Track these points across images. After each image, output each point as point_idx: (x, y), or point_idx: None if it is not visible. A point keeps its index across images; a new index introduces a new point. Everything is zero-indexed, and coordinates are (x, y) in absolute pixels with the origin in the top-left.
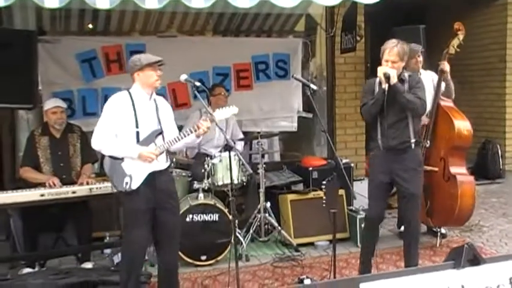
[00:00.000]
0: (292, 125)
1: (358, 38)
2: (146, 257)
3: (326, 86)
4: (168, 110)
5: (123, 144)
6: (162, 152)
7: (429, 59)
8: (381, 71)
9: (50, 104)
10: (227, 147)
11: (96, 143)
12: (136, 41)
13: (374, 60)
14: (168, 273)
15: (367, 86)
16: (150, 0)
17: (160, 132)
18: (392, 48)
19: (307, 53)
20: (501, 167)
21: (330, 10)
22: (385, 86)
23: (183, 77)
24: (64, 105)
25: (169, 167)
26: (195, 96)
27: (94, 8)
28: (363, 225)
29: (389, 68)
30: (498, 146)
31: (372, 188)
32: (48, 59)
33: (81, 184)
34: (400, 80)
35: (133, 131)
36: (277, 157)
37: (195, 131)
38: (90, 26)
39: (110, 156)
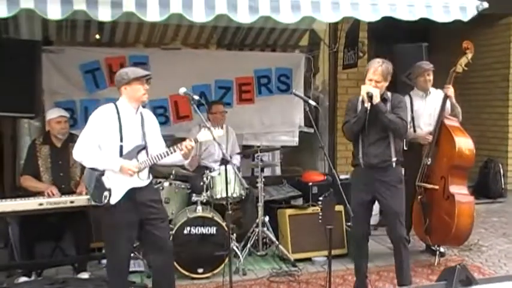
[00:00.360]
0: (293, 140)
1: (360, 54)
2: (143, 268)
3: (328, 101)
4: (154, 124)
5: (105, 156)
6: (144, 168)
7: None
8: (364, 89)
9: (54, 113)
10: (223, 161)
11: (77, 154)
12: (139, 53)
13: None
14: (165, 282)
15: (350, 104)
16: (151, 13)
17: (144, 148)
18: (376, 68)
19: (309, 68)
20: (503, 186)
21: (334, 26)
22: (368, 104)
23: (182, 90)
24: (67, 115)
25: (150, 183)
26: (198, 109)
27: (97, 20)
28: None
29: (372, 88)
30: (500, 165)
31: (354, 206)
32: (51, 68)
33: (80, 194)
34: (383, 99)
35: (117, 144)
36: (278, 171)
37: (180, 150)
38: (98, 36)
39: (91, 169)
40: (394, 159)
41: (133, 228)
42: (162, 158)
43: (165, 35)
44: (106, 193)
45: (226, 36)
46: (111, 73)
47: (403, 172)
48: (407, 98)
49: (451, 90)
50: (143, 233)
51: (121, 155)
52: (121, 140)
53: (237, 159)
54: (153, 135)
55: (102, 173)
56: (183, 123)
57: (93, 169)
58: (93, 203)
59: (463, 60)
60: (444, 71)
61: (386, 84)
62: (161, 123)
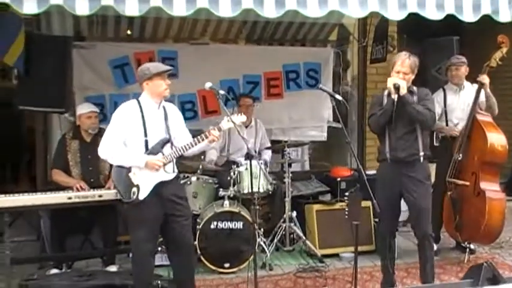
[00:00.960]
0: (322, 135)
1: (390, 49)
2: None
3: (357, 96)
4: (178, 117)
5: (130, 153)
6: (170, 161)
7: None
8: (390, 81)
9: (84, 108)
10: (248, 156)
11: (102, 152)
12: (168, 48)
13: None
14: (184, 278)
15: (375, 98)
16: (178, 7)
17: (168, 141)
18: (404, 60)
19: (339, 63)
20: None
21: (363, 20)
22: (395, 96)
23: (208, 84)
24: (97, 110)
25: (177, 177)
26: (226, 104)
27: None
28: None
29: (399, 79)
30: None
31: (381, 202)
32: (82, 64)
33: (109, 188)
34: (409, 92)
35: (142, 139)
36: (306, 166)
37: (204, 139)
38: (129, 32)
39: (118, 166)
40: (421, 153)
41: (158, 222)
42: (187, 149)
43: (194, 30)
44: (134, 189)
45: (256, 31)
46: None
47: (429, 168)
48: (441, 92)
49: (486, 79)
50: (166, 229)
51: (147, 149)
52: (145, 135)
53: (267, 154)
54: (177, 128)
55: (129, 169)
56: (212, 118)
57: (120, 166)
58: (122, 199)
59: (498, 55)
60: (476, 65)
61: (413, 77)
62: (190, 118)
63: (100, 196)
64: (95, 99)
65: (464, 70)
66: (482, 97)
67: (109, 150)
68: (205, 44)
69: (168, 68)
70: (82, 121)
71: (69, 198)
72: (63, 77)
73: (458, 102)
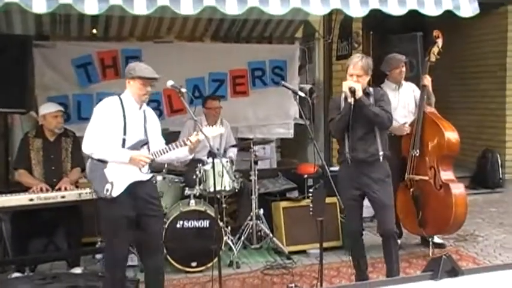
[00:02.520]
0: (288, 132)
1: (355, 45)
2: (136, 263)
3: (323, 93)
4: (156, 123)
5: (114, 148)
6: (152, 160)
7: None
8: (345, 85)
9: (50, 108)
10: (211, 154)
11: (87, 147)
12: (132, 47)
13: (374, 67)
14: (155, 278)
15: (332, 102)
16: (138, 6)
17: (146, 143)
18: (356, 63)
19: (304, 60)
20: (501, 176)
21: (328, 17)
22: (351, 100)
23: (170, 83)
24: (58, 108)
25: (151, 178)
26: (191, 102)
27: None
28: (346, 231)
29: (354, 83)
30: (498, 155)
31: (344, 202)
32: (43, 64)
33: (59, 189)
34: (366, 93)
35: (120, 137)
36: (274, 164)
37: (184, 145)
38: (94, 31)
39: (96, 161)
40: (381, 153)
41: (131, 223)
42: (164, 153)
43: (159, 29)
44: (108, 186)
45: (222, 29)
46: (103, 67)
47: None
48: None
49: (427, 80)
50: (139, 229)
51: (123, 147)
52: (124, 133)
53: (233, 152)
54: (154, 133)
55: (105, 165)
56: (177, 117)
57: (99, 161)
58: (95, 195)
59: (435, 49)
60: (440, 60)
61: (367, 78)
62: None
63: (63, 197)
64: (57, 99)
65: (404, 68)
66: (417, 94)
67: (93, 144)
68: (170, 42)
69: (153, 76)
70: (48, 121)
71: (31, 200)
72: (24, 76)
73: (400, 100)
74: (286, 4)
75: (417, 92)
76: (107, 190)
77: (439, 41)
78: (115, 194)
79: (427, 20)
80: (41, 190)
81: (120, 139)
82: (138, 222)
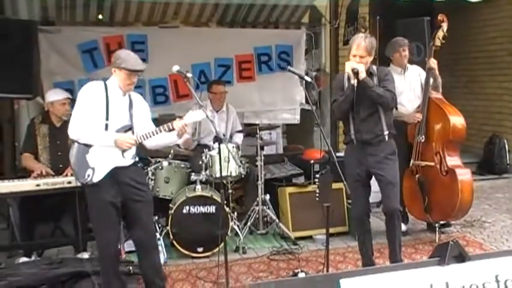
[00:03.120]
0: (294, 117)
1: (362, 30)
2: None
3: (330, 78)
4: (143, 108)
5: (100, 132)
6: (134, 144)
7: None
8: (348, 66)
9: (58, 95)
10: (217, 139)
11: (73, 132)
12: (137, 32)
13: (382, 52)
14: (148, 263)
15: (336, 81)
16: None
17: (130, 128)
18: (359, 43)
19: (310, 45)
20: (508, 161)
21: (334, 2)
22: (354, 81)
23: (175, 68)
24: (65, 95)
25: (135, 163)
26: (197, 88)
27: None
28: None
29: (357, 63)
30: (505, 141)
31: (350, 184)
32: (49, 49)
33: (66, 175)
34: (369, 74)
35: (103, 122)
36: (280, 149)
37: (169, 130)
38: (100, 16)
39: (81, 146)
40: (386, 132)
41: (116, 208)
42: (149, 137)
43: (165, 14)
44: (89, 171)
45: (228, 14)
46: (109, 52)
47: (394, 144)
48: None
49: (433, 62)
50: (125, 214)
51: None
52: (107, 119)
53: (239, 138)
54: (141, 118)
55: (87, 151)
56: (184, 102)
57: (84, 145)
58: (77, 182)
59: (440, 34)
60: (447, 44)
61: (371, 58)
62: (161, 103)
63: (69, 183)
64: (63, 84)
65: (408, 51)
66: (424, 77)
67: (79, 129)
68: (175, 27)
69: (138, 68)
70: (56, 108)
71: (38, 185)
72: (29, 62)
73: (405, 83)
74: None
75: (423, 75)
76: (88, 175)
77: (444, 25)
78: (96, 179)
79: (434, 4)
80: (41, 174)
81: (103, 124)
82: (125, 209)
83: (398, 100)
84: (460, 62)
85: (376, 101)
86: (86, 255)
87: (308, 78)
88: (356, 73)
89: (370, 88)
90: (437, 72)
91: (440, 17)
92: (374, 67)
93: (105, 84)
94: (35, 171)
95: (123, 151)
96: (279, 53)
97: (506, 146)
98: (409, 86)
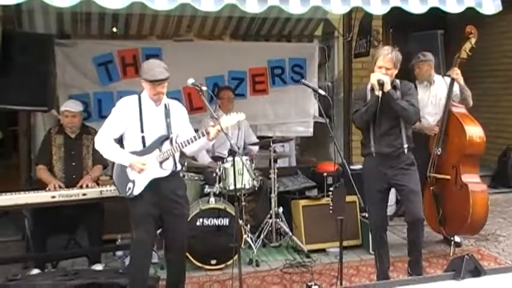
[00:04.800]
0: (308, 130)
1: (375, 43)
2: (157, 260)
3: (343, 91)
4: (182, 114)
5: (118, 150)
6: (167, 158)
7: (447, 64)
8: (374, 77)
9: (63, 106)
10: (232, 152)
11: (97, 144)
12: (152, 45)
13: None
14: (176, 277)
15: (358, 92)
16: (159, 2)
17: (167, 138)
18: (386, 55)
19: (324, 58)
20: None
21: (348, 15)
22: (379, 93)
23: (190, 81)
24: (76, 109)
25: (177, 172)
26: (211, 100)
27: (111, 12)
28: (370, 227)
29: (383, 75)
30: None
31: (369, 196)
32: (65, 62)
33: (81, 187)
34: (393, 87)
35: (139, 135)
36: (293, 162)
37: (205, 135)
38: (115, 29)
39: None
40: (405, 145)
41: (155, 220)
42: (185, 146)
43: (179, 27)
44: (130, 184)
45: (241, 27)
46: (124, 65)
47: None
48: None
49: (455, 73)
50: (163, 227)
51: (144, 145)
52: (142, 131)
53: (254, 149)
54: (180, 125)
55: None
56: (197, 115)
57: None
58: (119, 194)
59: (467, 45)
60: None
61: (396, 71)
62: None
63: (84, 194)
64: (78, 97)
65: (427, 67)
66: (457, 90)
67: (101, 143)
68: (190, 40)
69: (157, 78)
70: (62, 118)
71: (53, 197)
72: (46, 75)
73: (429, 97)
74: (306, 3)
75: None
76: (129, 189)
77: (472, 38)
78: (136, 192)
79: (448, 17)
80: (55, 188)
81: (139, 137)
82: (162, 220)
83: (421, 113)
84: (474, 74)
85: (399, 114)
86: (99, 267)
87: (322, 92)
88: (381, 84)
89: (394, 101)
90: (463, 83)
91: (468, 28)
92: (397, 81)
93: (139, 97)
94: (48, 185)
95: (161, 162)
96: (292, 66)
97: None
98: (434, 99)
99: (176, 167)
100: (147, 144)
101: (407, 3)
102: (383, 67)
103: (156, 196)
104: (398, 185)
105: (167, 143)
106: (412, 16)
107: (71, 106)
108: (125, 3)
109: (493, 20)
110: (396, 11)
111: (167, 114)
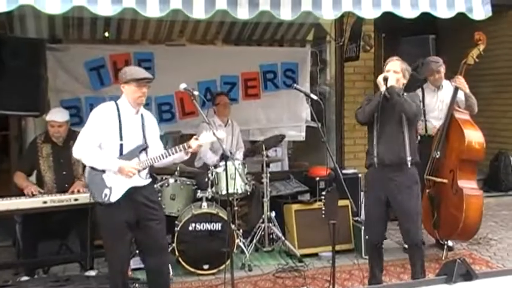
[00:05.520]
0: (300, 135)
1: (367, 48)
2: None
3: (335, 95)
4: (154, 126)
5: (104, 156)
6: (145, 168)
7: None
8: (380, 77)
9: (49, 116)
10: (223, 157)
11: (77, 152)
12: (144, 50)
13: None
14: (158, 283)
15: (366, 96)
16: (151, 9)
17: (145, 148)
18: (395, 61)
19: (316, 63)
20: None
21: (339, 20)
22: (383, 88)
23: (182, 86)
24: (63, 119)
25: (151, 183)
26: (203, 105)
27: (103, 17)
28: (367, 237)
29: (390, 74)
30: (511, 158)
31: (369, 207)
32: (56, 66)
33: (72, 192)
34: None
35: (117, 143)
36: (285, 166)
37: (185, 149)
38: (107, 34)
39: (92, 167)
40: (409, 158)
41: (131, 227)
42: (162, 159)
43: (171, 31)
44: (107, 191)
45: (233, 32)
46: (116, 70)
47: (417, 173)
48: (419, 91)
49: (459, 81)
50: (139, 233)
51: (121, 153)
52: (121, 139)
53: (239, 155)
54: (153, 137)
55: (103, 170)
56: (189, 120)
57: (93, 167)
58: (92, 200)
59: (475, 52)
60: (452, 62)
61: (403, 80)
62: (167, 120)
63: (76, 200)
64: (70, 102)
65: (443, 70)
66: (461, 96)
67: (83, 151)
68: (182, 45)
69: (145, 76)
70: (49, 127)
71: (45, 202)
72: (37, 79)
73: (437, 101)
74: (297, 8)
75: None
76: (105, 195)
77: (481, 44)
78: (113, 199)
79: (438, 21)
80: (32, 193)
81: (117, 145)
82: (138, 226)
83: (427, 117)
84: (466, 79)
85: (401, 107)
86: (92, 273)
87: (314, 96)
88: (385, 79)
89: (397, 94)
90: (467, 91)
91: (477, 35)
92: (404, 93)
93: (117, 104)
94: (24, 189)
95: (139, 171)
96: (284, 70)
97: None
98: (440, 104)
99: (152, 177)
100: (124, 152)
101: (398, 8)
102: (390, 70)
103: (131, 203)
104: (394, 203)
105: (144, 153)
106: (403, 21)
107: (57, 116)
108: (116, 10)
109: (484, 25)
110: (388, 16)
111: (143, 124)
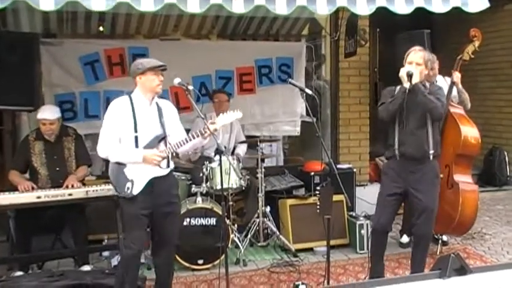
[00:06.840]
0: (295, 129)
1: (362, 42)
2: (143, 260)
3: (330, 90)
4: (173, 113)
5: (127, 149)
6: (166, 157)
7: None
8: (403, 70)
9: (39, 113)
10: (218, 152)
11: (102, 151)
12: (139, 44)
13: (382, 64)
14: (166, 276)
15: (386, 90)
16: (146, 2)
17: (164, 137)
18: (417, 51)
19: (311, 57)
20: (508, 173)
21: (334, 14)
22: (407, 84)
23: (176, 80)
24: (53, 117)
25: (171, 171)
26: (198, 100)
27: (97, 11)
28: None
29: (412, 68)
30: (505, 153)
31: (382, 197)
32: (51, 61)
33: (66, 187)
34: (422, 86)
35: (132, 135)
36: (280, 161)
37: (202, 134)
38: (101, 29)
39: (116, 162)
40: (431, 151)
41: (147, 219)
42: (182, 145)
43: (166, 26)
44: (129, 184)
45: (228, 26)
46: (110, 64)
47: (439, 167)
48: None
49: (456, 76)
50: (155, 225)
51: (136, 145)
52: (135, 131)
53: (241, 149)
54: (172, 124)
55: (125, 165)
56: (184, 115)
57: (117, 162)
58: (117, 193)
59: (470, 48)
60: (447, 57)
61: (426, 71)
62: None
63: (70, 195)
64: (64, 96)
65: (437, 66)
66: (454, 92)
67: (107, 149)
68: (176, 40)
69: (162, 63)
70: (41, 125)
71: (38, 197)
72: (31, 74)
73: None
74: (291, 3)
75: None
76: (128, 188)
77: (476, 41)
78: (136, 191)
79: (434, 16)
80: (26, 188)
81: (132, 137)
82: (153, 219)
83: None
84: (461, 73)
85: (426, 107)
86: (87, 268)
87: (309, 91)
88: (410, 76)
89: (422, 93)
90: (460, 87)
91: (473, 32)
92: (427, 83)
93: (130, 98)
94: (19, 186)
95: (163, 158)
96: (279, 65)
97: (507, 158)
98: None
99: (171, 166)
100: (140, 144)
101: (393, 3)
102: (413, 62)
103: (151, 196)
104: (413, 196)
105: (163, 142)
106: (398, 16)
107: (48, 114)
108: (109, 5)
109: (480, 19)
110: (383, 11)
111: (161, 114)
